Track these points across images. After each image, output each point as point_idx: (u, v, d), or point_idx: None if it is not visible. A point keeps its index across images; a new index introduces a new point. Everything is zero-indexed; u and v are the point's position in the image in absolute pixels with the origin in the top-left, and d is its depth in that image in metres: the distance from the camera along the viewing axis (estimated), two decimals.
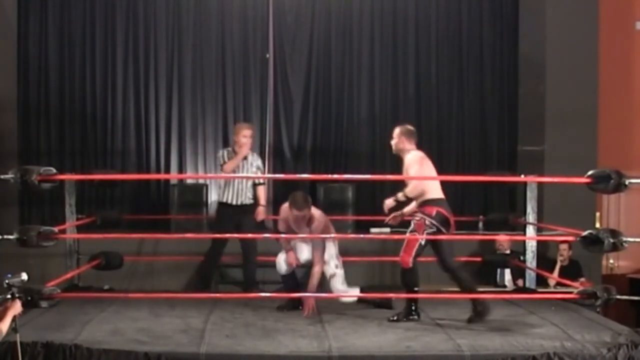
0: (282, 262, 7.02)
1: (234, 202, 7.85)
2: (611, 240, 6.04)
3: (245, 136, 7.82)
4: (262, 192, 7.97)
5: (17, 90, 10.24)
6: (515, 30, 10.59)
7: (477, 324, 6.27)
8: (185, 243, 8.89)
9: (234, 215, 7.81)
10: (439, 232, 6.38)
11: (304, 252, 6.99)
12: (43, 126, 10.34)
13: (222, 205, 7.94)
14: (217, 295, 7.61)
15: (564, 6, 9.81)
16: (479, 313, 6.40)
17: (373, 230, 9.03)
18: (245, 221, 7.77)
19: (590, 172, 6.31)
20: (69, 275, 7.30)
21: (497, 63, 10.65)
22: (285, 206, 6.87)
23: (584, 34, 9.78)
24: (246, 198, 7.87)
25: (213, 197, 10.18)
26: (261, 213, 7.95)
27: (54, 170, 6.29)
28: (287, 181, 9.68)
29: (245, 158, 7.85)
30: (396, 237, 7.82)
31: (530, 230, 7.70)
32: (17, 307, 4.37)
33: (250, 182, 7.89)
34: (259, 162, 7.99)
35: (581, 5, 9.85)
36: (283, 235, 7.03)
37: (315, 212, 6.88)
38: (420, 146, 10.39)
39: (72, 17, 10.36)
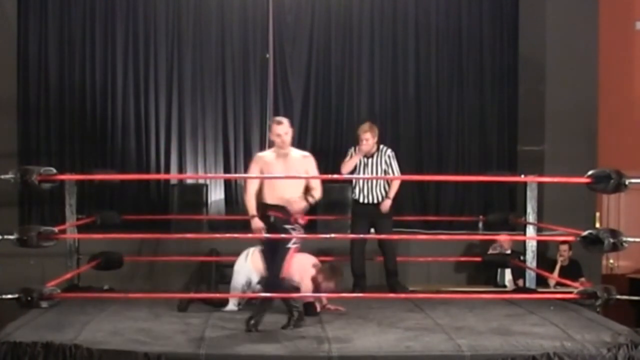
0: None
1: (366, 201, 7.86)
2: (611, 240, 6.02)
3: (362, 138, 7.77)
4: (394, 186, 7.86)
5: (17, 90, 10.24)
6: (515, 30, 10.59)
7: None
8: (185, 243, 8.90)
9: (369, 214, 7.82)
10: None
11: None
12: (43, 126, 10.34)
13: (355, 203, 7.95)
14: (217, 295, 7.59)
15: (564, 6, 9.82)
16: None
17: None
18: (381, 220, 7.79)
19: (590, 172, 6.30)
20: (69, 275, 7.29)
21: (497, 63, 10.64)
22: None
23: (584, 34, 9.79)
24: (379, 196, 7.85)
25: (213, 197, 10.19)
26: (386, 205, 7.85)
27: (54, 170, 6.27)
28: None
29: (370, 156, 7.84)
30: (396, 237, 7.85)
31: (530, 230, 7.69)
32: None
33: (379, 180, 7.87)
34: (386, 157, 7.86)
35: (581, 5, 9.86)
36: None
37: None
38: (420, 146, 10.59)
39: (72, 17, 10.36)
